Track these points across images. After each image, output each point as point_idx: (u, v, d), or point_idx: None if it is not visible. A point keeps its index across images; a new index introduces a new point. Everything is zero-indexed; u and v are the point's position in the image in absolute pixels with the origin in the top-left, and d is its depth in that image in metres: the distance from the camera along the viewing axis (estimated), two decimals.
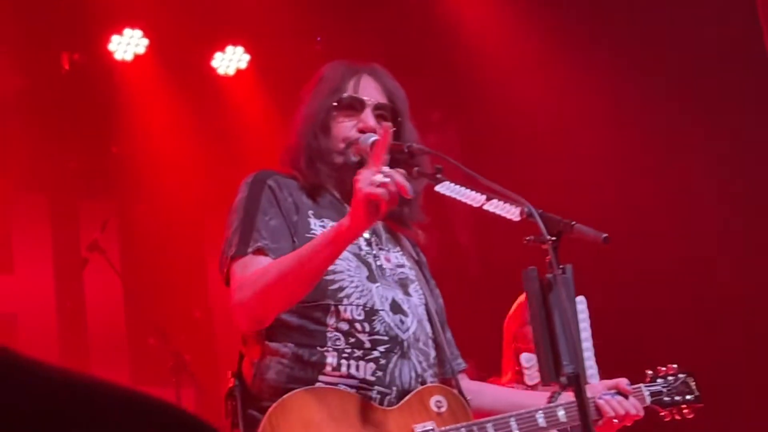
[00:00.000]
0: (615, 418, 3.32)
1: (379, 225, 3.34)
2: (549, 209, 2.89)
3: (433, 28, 8.16)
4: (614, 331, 5.21)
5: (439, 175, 3.13)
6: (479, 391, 3.39)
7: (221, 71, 8.38)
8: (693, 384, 3.55)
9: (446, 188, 3.11)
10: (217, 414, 3.28)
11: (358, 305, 3.10)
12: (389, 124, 3.23)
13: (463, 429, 3.09)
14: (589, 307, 3.93)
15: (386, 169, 2.87)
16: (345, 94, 3.30)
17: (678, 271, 7.12)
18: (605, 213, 6.20)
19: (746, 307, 6.84)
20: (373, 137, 3.18)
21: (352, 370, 3.04)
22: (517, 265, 2.88)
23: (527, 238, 2.84)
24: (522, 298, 4.92)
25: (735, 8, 6.83)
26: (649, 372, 3.54)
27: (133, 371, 8.17)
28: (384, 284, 3.19)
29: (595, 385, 3.34)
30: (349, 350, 3.05)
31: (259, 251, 3.07)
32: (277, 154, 3.41)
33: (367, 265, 3.19)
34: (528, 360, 3.81)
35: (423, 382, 3.14)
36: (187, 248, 8.43)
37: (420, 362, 3.15)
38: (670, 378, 3.53)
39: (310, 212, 3.20)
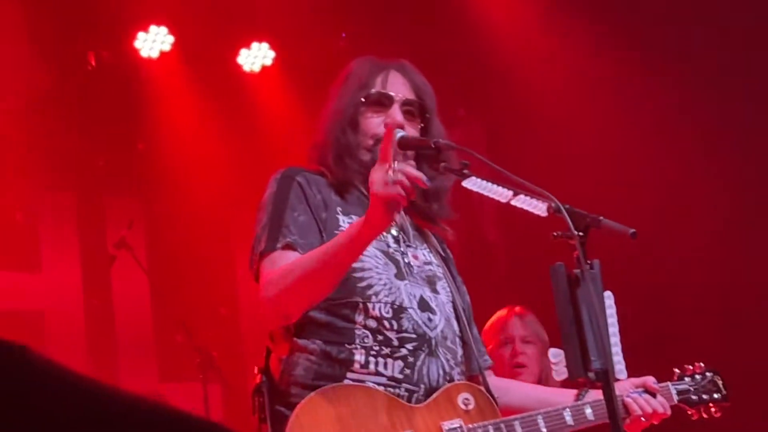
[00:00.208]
0: (643, 416, 3.31)
1: (407, 222, 3.33)
2: (575, 204, 2.88)
3: (458, 23, 8.14)
4: (641, 328, 5.19)
5: (466, 171, 3.12)
6: (506, 388, 3.39)
7: (246, 68, 8.38)
8: (720, 383, 3.54)
9: (473, 184, 3.11)
10: (244, 410, 3.28)
11: (386, 303, 3.09)
12: (395, 120, 3.21)
13: (490, 427, 3.08)
14: (615, 303, 3.90)
15: (396, 164, 2.85)
16: (373, 90, 3.29)
17: (707, 269, 7.08)
18: (633, 208, 6.15)
19: None
20: (401, 133, 3.17)
21: (380, 368, 3.03)
22: (545, 261, 2.87)
23: (555, 233, 2.83)
24: (500, 313, 4.88)
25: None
26: (677, 370, 3.53)
27: (160, 368, 8.20)
28: (412, 282, 3.18)
29: (623, 383, 3.32)
30: (377, 348, 3.05)
31: (288, 246, 3.07)
32: (302, 151, 3.41)
33: (395, 262, 3.19)
34: (555, 355, 3.78)
35: (450, 380, 3.14)
36: (213, 245, 8.45)
37: (447, 360, 3.15)
38: (697, 376, 3.52)
39: (338, 209, 3.20)
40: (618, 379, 2.91)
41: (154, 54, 8.02)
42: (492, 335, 4.76)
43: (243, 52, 8.35)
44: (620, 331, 3.26)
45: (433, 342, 3.12)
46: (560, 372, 3.95)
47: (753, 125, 7.01)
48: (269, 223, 3.13)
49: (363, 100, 3.28)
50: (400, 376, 3.04)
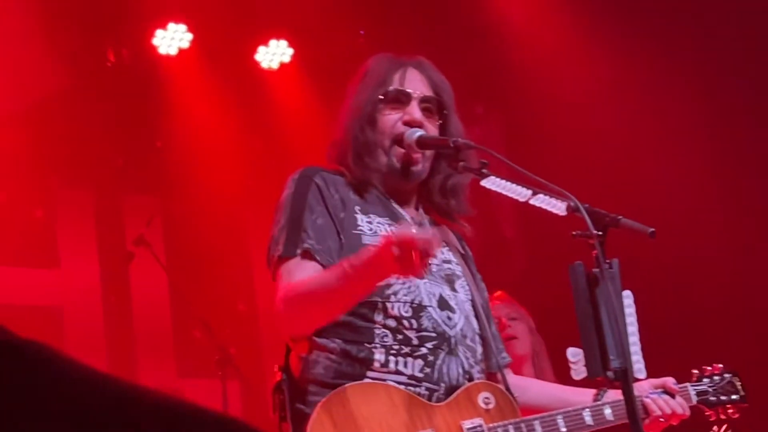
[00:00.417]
0: (661, 417, 3.30)
1: (426, 220, 3.33)
2: (593, 203, 2.87)
3: (476, 20, 8.12)
4: (660, 328, 5.16)
5: (484, 170, 3.12)
6: (525, 387, 3.38)
7: (265, 65, 8.38)
8: (739, 384, 3.53)
9: (492, 183, 3.10)
10: (263, 408, 3.28)
11: (405, 302, 3.09)
12: (413, 118, 3.21)
13: (510, 426, 3.08)
14: (634, 302, 3.89)
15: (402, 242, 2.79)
16: (391, 87, 3.29)
17: (726, 269, 7.05)
18: (652, 207, 6.13)
19: None
20: (419, 132, 3.17)
21: (400, 367, 3.03)
22: (563, 260, 2.86)
23: (575, 232, 2.83)
24: None
25: None
26: (695, 371, 3.52)
27: (178, 364, 8.22)
28: (431, 280, 3.18)
29: (642, 384, 3.31)
30: (396, 347, 3.05)
31: (306, 254, 3.08)
32: (320, 148, 3.41)
33: None
34: (574, 355, 3.77)
35: (470, 378, 3.13)
36: (231, 242, 8.46)
37: (467, 358, 3.15)
38: (716, 377, 3.51)
39: (357, 208, 3.19)
40: (637, 379, 2.91)
41: (173, 51, 8.03)
42: None
43: (261, 49, 8.35)
44: (639, 331, 3.25)
45: (453, 340, 3.12)
46: (579, 371, 3.94)
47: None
48: (287, 226, 3.14)
49: (381, 97, 3.27)
50: (421, 375, 3.04)
